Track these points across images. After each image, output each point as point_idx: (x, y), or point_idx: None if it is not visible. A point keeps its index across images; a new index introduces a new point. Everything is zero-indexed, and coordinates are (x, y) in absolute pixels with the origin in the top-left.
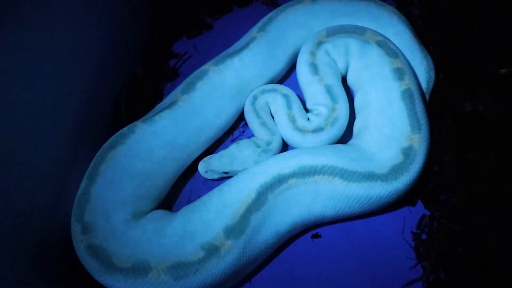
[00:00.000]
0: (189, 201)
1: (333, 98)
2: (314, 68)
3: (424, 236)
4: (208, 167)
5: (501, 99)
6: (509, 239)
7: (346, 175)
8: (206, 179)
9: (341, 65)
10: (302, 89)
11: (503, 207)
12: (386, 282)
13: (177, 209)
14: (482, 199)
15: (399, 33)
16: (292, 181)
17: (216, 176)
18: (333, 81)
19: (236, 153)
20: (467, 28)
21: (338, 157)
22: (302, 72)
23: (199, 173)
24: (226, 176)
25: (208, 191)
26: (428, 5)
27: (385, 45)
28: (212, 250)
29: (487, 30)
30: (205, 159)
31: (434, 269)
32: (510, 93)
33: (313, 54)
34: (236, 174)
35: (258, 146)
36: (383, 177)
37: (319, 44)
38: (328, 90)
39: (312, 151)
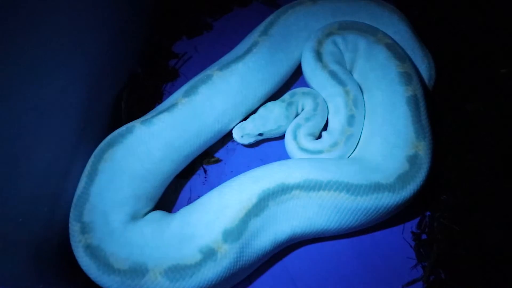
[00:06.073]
0: (189, 201)
1: (340, 82)
2: (319, 55)
3: (424, 236)
4: (244, 131)
5: (501, 99)
6: (509, 239)
7: (352, 189)
8: (206, 179)
9: (347, 60)
10: (308, 80)
11: (503, 207)
12: (386, 282)
13: (177, 209)
14: (482, 199)
15: (399, 32)
16: (295, 192)
17: (251, 140)
18: (337, 67)
19: (267, 114)
20: (467, 28)
21: (343, 172)
22: (306, 59)
23: (235, 140)
24: (261, 139)
25: (208, 191)
26: (428, 5)
27: (394, 48)
28: (209, 254)
29: (487, 30)
30: (238, 125)
31: (434, 269)
32: (510, 93)
33: (320, 42)
34: (270, 134)
35: (283, 101)
36: (390, 187)
37: (329, 34)
38: (333, 75)
39: (317, 165)
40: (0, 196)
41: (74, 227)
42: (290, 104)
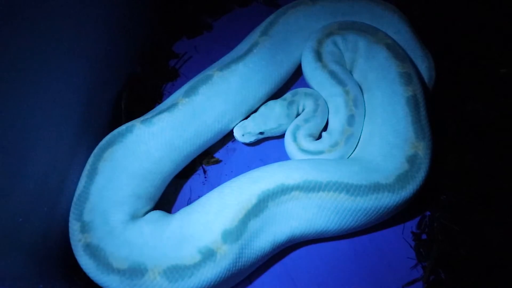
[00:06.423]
0: (189, 201)
1: (340, 82)
2: (319, 55)
3: (424, 236)
4: (244, 130)
5: (501, 99)
6: (509, 239)
7: (352, 190)
8: (205, 179)
9: (347, 60)
10: (308, 80)
11: (503, 207)
12: (386, 282)
13: (176, 209)
14: (482, 199)
15: (400, 32)
16: (295, 193)
17: (252, 139)
18: (337, 67)
19: (268, 112)
20: (467, 28)
21: (343, 172)
22: (306, 58)
23: (236, 139)
24: (261, 138)
25: (208, 191)
26: (428, 5)
27: (394, 48)
28: (208, 254)
29: (487, 30)
30: (239, 124)
31: (434, 269)
32: (510, 93)
33: (320, 42)
34: (271, 133)
35: (284, 100)
36: (390, 187)
37: (329, 34)
38: (333, 75)
39: (317, 166)
40: (0, 196)
41: (74, 226)
42: (291, 103)
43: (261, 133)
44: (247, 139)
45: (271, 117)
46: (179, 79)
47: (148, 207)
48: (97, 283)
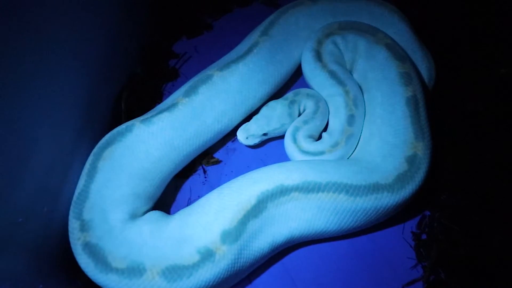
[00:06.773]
0: (189, 201)
1: (340, 82)
2: (318, 55)
3: (424, 236)
4: (248, 132)
5: (501, 99)
6: (509, 239)
7: (351, 190)
8: (206, 179)
9: (347, 60)
10: (308, 80)
11: (503, 207)
12: (386, 282)
13: (176, 209)
14: (482, 199)
15: (399, 32)
16: (294, 194)
17: (256, 141)
18: (337, 67)
19: (270, 113)
20: (467, 28)
21: (342, 173)
22: (306, 58)
23: (239, 142)
24: (265, 139)
25: (208, 191)
26: (428, 5)
27: (394, 48)
28: (207, 255)
29: (487, 30)
30: (242, 127)
31: (434, 269)
32: (510, 93)
33: (320, 42)
34: (274, 133)
35: (285, 99)
36: (389, 188)
37: (329, 34)
38: (333, 75)
39: (316, 167)
40: (0, 196)
41: (73, 225)
42: (292, 102)
43: (264, 134)
44: (251, 142)
45: (273, 118)
46: (179, 79)
47: (148, 207)
48: (95, 282)
